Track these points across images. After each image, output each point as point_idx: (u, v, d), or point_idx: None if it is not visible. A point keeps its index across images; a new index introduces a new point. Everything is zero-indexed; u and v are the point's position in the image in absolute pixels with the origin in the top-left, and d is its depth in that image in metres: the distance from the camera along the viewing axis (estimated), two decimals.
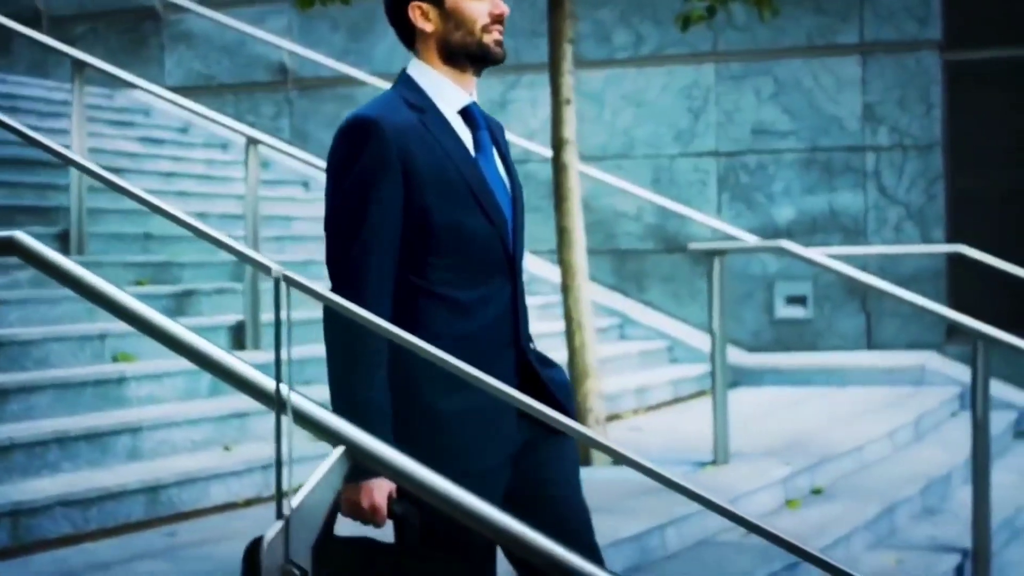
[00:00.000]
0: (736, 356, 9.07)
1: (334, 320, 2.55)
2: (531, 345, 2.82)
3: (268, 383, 2.27)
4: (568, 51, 6.08)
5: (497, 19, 2.72)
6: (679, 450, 6.24)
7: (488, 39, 2.71)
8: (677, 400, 8.26)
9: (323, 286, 2.54)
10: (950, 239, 9.08)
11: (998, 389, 8.68)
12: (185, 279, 6.95)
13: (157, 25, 10.90)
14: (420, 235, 2.62)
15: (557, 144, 6.03)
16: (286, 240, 8.31)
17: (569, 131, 6.00)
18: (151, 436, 5.20)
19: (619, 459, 2.46)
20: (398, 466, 2.30)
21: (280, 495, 2.21)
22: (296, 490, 2.22)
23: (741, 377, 8.91)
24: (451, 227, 2.62)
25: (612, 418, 7.26)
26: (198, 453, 5.27)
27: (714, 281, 5.77)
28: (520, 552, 2.18)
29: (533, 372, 2.75)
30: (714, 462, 5.90)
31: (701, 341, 8.95)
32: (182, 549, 4.34)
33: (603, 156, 9.58)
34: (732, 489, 5.38)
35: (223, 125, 6.54)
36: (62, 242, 6.65)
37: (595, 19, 9.64)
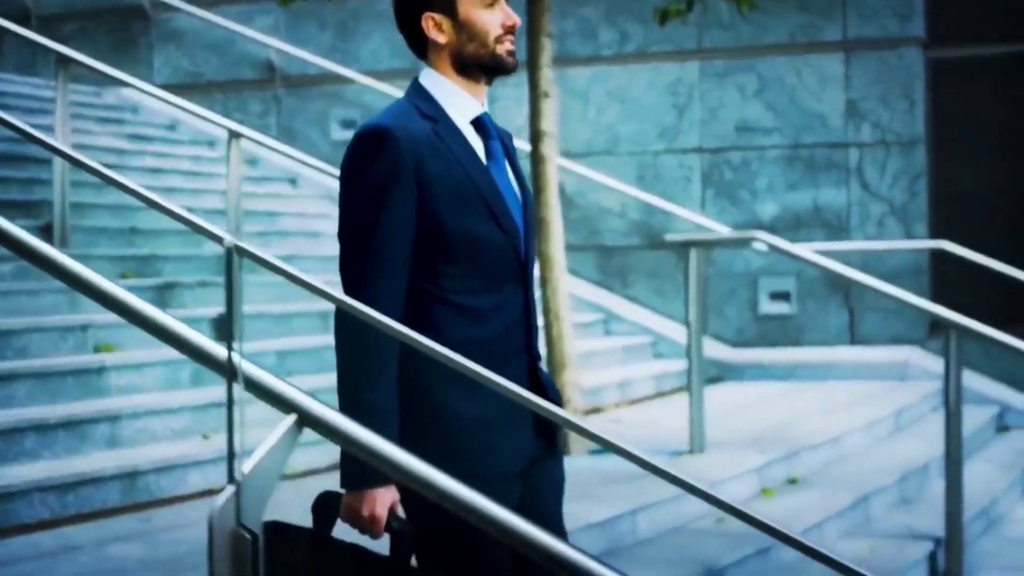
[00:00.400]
0: (720, 351, 9.12)
1: (345, 322, 2.57)
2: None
3: (220, 351, 2.31)
4: (546, 45, 6.14)
5: (509, 30, 2.73)
6: (656, 440, 6.29)
7: (501, 50, 2.72)
8: (660, 394, 8.30)
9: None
10: (933, 236, 9.12)
11: (981, 384, 8.73)
12: (168, 272, 7.00)
13: (146, 24, 10.95)
14: (433, 243, 2.63)
15: (535, 137, 6.09)
16: (271, 235, 8.35)
17: (547, 124, 6.06)
18: (130, 424, 5.24)
19: (606, 446, 2.51)
20: (351, 435, 2.35)
21: (232, 461, 2.26)
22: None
23: (725, 372, 8.96)
24: (464, 235, 2.64)
25: (593, 411, 7.31)
26: (177, 441, 5.31)
27: (691, 272, 5.83)
28: (518, 546, 2.18)
29: (540, 380, 2.78)
30: (690, 451, 5.95)
31: (685, 337, 8.98)
32: (156, 533, 4.39)
33: (588, 152, 9.64)
34: (706, 477, 5.42)
35: (205, 119, 6.60)
36: (45, 234, 6.70)
37: (580, 17, 9.69)
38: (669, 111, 9.52)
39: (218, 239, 2.70)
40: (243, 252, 2.29)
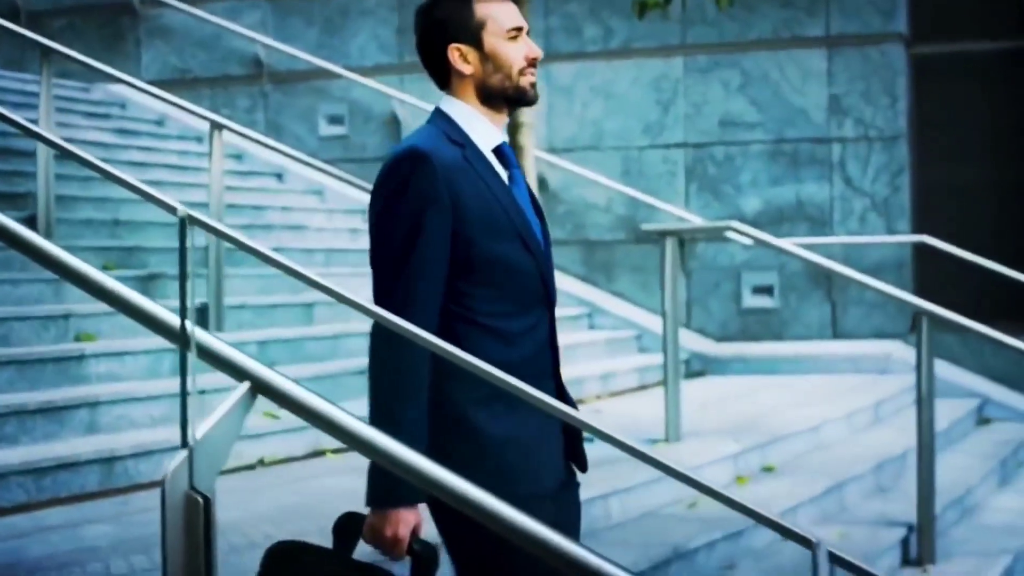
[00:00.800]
0: (703, 345, 9.18)
1: (382, 339, 2.61)
2: None
3: (173, 320, 2.36)
4: None
5: (531, 62, 2.77)
6: (632, 429, 6.33)
7: (524, 82, 2.76)
8: (643, 387, 8.35)
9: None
10: (915, 231, 9.19)
11: (962, 377, 8.81)
12: (152, 264, 7.05)
13: (134, 20, 11.01)
14: (464, 266, 2.67)
15: (513, 127, 6.16)
16: (256, 228, 8.40)
17: (525, 114, 6.13)
18: (110, 411, 5.29)
19: (595, 434, 2.55)
20: (304, 403, 2.39)
21: (185, 427, 2.31)
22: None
23: (708, 366, 9.02)
24: (496, 259, 2.68)
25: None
26: (156, 428, 5.36)
27: (667, 262, 5.88)
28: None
29: (566, 403, 2.81)
30: (665, 440, 6.00)
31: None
32: (131, 515, 4.43)
33: (573, 148, 9.69)
34: (680, 464, 5.45)
35: (187, 110, 6.65)
36: (29, 225, 6.74)
37: (565, 12, 9.76)
38: (653, 107, 9.58)
39: (171, 209, 2.75)
40: (195, 221, 2.34)
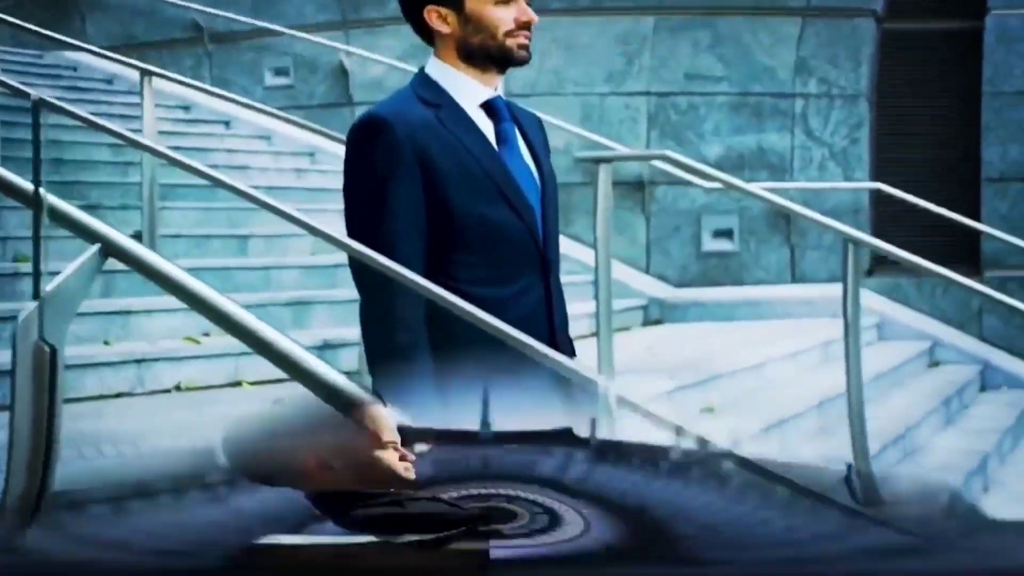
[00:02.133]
0: (662, 291, 9.15)
1: (363, 274, 2.60)
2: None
3: (27, 186, 2.39)
4: None
5: (523, 26, 2.67)
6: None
7: (511, 43, 2.66)
8: (594, 334, 8.30)
9: None
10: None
11: (916, 320, 8.90)
12: (92, 197, 7.12)
13: None
14: (445, 232, 2.61)
15: None
16: None
17: None
18: None
19: (531, 353, 2.56)
20: (151, 264, 2.42)
21: (37, 282, 2.32)
22: None
23: (666, 313, 8.98)
24: (477, 222, 2.61)
25: None
26: (80, 345, 5.36)
27: (600, 188, 5.86)
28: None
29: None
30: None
31: (628, 275, 9.02)
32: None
33: (531, 93, 9.64)
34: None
35: (114, 59, 6.73)
36: None
37: None
38: (618, 58, 9.54)
39: (25, 94, 2.76)
40: (47, 104, 2.35)
